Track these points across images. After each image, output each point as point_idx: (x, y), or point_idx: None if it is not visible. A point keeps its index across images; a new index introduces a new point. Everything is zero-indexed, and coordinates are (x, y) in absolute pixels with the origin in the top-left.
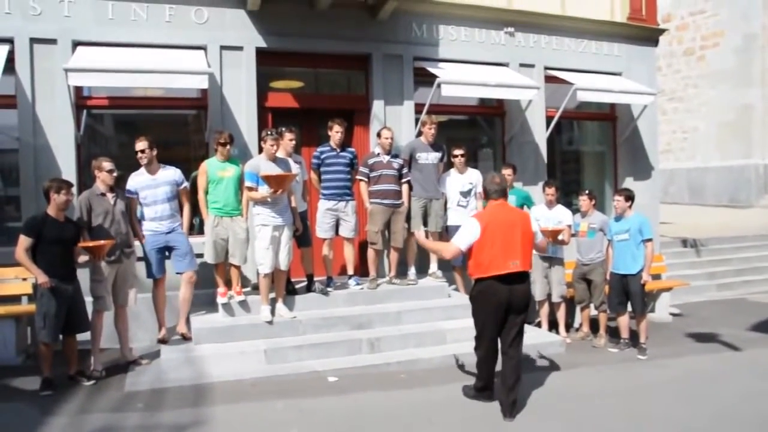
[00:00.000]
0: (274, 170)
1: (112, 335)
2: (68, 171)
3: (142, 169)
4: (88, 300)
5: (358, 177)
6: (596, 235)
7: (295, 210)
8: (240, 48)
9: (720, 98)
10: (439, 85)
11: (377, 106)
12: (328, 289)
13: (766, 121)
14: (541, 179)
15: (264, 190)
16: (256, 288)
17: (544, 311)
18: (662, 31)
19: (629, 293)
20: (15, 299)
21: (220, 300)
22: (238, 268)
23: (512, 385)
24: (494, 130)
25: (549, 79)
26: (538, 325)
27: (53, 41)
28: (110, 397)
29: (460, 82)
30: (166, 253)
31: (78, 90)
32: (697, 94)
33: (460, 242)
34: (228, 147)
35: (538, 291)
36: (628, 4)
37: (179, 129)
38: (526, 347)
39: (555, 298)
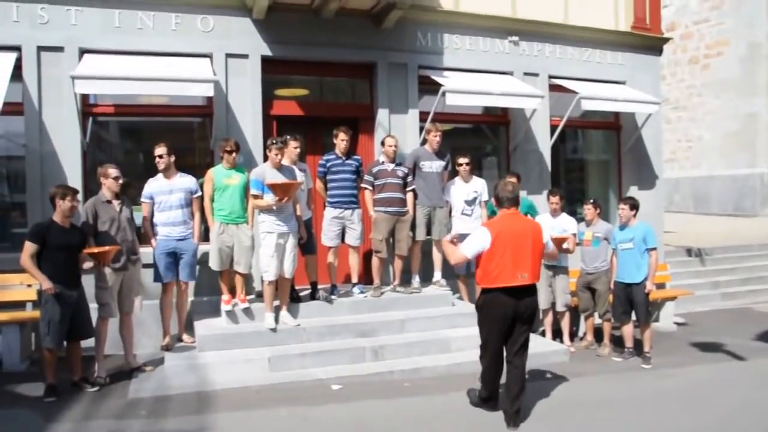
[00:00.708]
0: (279, 178)
1: (116, 342)
2: (74, 178)
3: (159, 175)
4: (93, 306)
5: (362, 185)
6: (601, 244)
7: (300, 218)
8: (245, 56)
9: (725, 107)
10: (443, 94)
11: (382, 114)
12: (333, 297)
13: None
14: (546, 188)
15: (269, 198)
16: (260, 295)
17: (549, 320)
18: (666, 40)
19: (633, 302)
20: (20, 305)
21: (225, 307)
22: (242, 275)
23: (516, 394)
24: (498, 138)
25: (553, 88)
26: (543, 333)
27: (60, 49)
28: (114, 403)
29: (465, 90)
30: (174, 259)
31: (84, 97)
32: (701, 102)
33: (468, 250)
34: (234, 155)
35: (542, 300)
36: (632, 13)
37: (185, 137)
38: (530, 356)
39: (559, 307)
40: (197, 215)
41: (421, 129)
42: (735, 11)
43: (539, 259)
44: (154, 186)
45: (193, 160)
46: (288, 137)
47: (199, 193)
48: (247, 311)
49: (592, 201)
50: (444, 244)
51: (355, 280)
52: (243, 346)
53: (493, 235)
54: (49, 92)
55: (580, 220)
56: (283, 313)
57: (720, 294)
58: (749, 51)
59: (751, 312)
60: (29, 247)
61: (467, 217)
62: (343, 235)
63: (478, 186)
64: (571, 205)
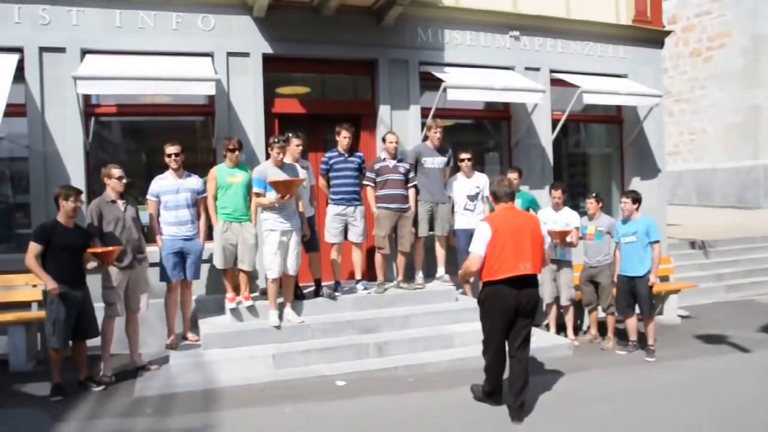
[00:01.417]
0: (282, 176)
1: (121, 341)
2: (77, 178)
3: (167, 174)
4: (99, 306)
5: (364, 182)
6: (603, 237)
7: (302, 215)
8: (247, 54)
9: (727, 99)
10: (445, 90)
11: (383, 110)
12: (336, 293)
13: None
14: (548, 182)
15: (272, 196)
16: (264, 293)
17: (553, 314)
18: (668, 32)
19: (637, 295)
20: (25, 305)
21: (229, 305)
22: (246, 273)
23: (520, 388)
24: (500, 133)
25: (555, 82)
26: (547, 327)
27: (62, 50)
28: (120, 402)
29: (466, 86)
30: (181, 258)
31: (87, 98)
32: (704, 95)
33: (478, 248)
34: (237, 153)
35: (546, 294)
36: (633, 7)
37: (187, 135)
38: (534, 350)
39: (563, 301)
40: (203, 215)
41: (423, 125)
42: (736, 3)
43: (540, 250)
44: (161, 184)
45: (196, 159)
46: (290, 135)
47: (205, 194)
48: (252, 309)
49: (594, 195)
50: (461, 275)
51: (358, 276)
52: (247, 344)
53: (492, 228)
54: (52, 93)
55: (582, 214)
56: (287, 311)
57: (724, 286)
58: (752, 43)
59: (755, 304)
60: (34, 247)
61: (470, 212)
62: (346, 231)
63: (481, 181)
64: (574, 199)
